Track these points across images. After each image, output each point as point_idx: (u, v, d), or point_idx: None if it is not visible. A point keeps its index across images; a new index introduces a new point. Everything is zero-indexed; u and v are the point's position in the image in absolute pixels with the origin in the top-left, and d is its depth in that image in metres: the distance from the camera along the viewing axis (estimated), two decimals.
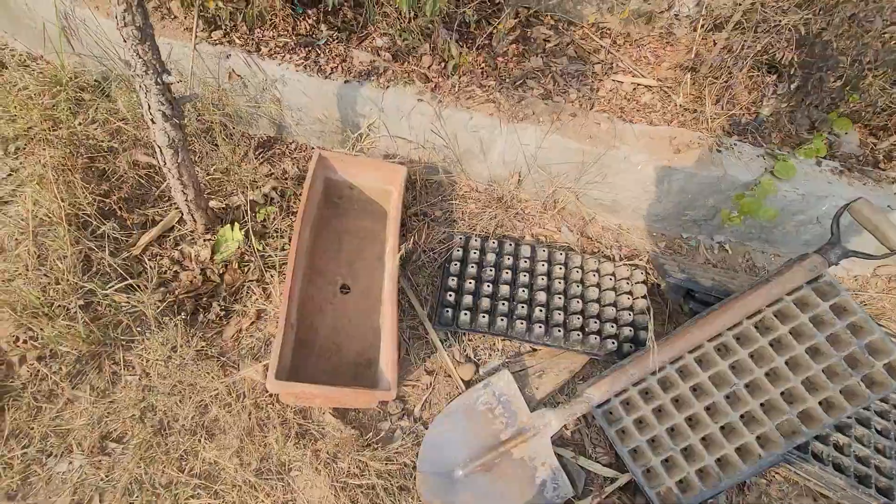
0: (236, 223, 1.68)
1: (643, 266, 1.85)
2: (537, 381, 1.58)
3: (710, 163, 1.78)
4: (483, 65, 1.92)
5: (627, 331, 1.63)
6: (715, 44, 1.95)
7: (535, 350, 1.65)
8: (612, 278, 1.76)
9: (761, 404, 1.33)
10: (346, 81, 1.77)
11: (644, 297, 1.70)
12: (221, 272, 1.63)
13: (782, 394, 1.32)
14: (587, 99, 1.93)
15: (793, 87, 1.73)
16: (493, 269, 1.72)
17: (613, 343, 1.59)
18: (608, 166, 1.80)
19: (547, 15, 2.19)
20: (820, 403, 1.29)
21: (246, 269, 1.65)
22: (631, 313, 1.67)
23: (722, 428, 1.35)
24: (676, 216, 1.95)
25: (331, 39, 1.88)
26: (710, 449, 1.34)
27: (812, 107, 1.88)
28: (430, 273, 1.76)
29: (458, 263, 1.72)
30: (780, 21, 1.73)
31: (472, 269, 1.71)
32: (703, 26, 2.00)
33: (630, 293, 1.72)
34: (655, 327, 1.73)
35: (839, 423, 1.47)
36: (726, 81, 1.89)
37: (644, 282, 1.76)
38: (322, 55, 1.84)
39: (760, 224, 1.93)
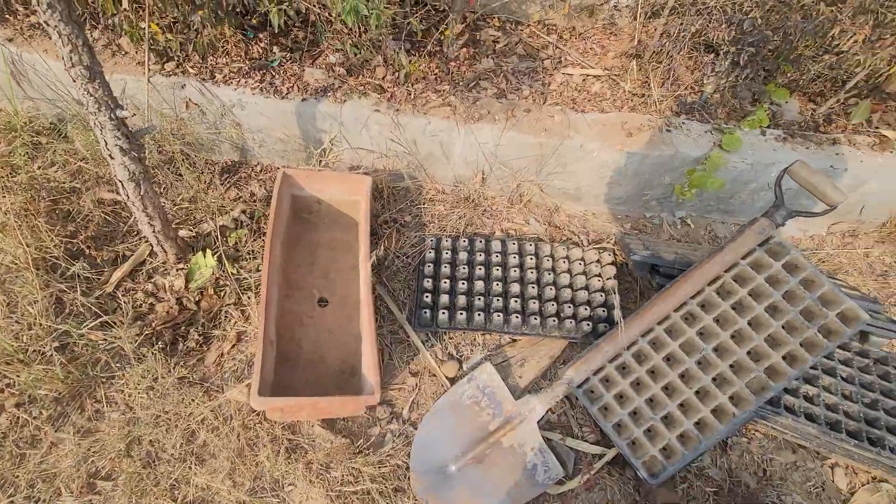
0: (208, 250, 1.69)
1: (610, 248, 1.91)
2: (520, 370, 1.62)
3: (662, 143, 1.85)
4: (436, 70, 1.97)
5: (601, 311, 1.68)
6: (655, 30, 2.04)
7: (514, 340, 1.69)
8: (582, 263, 1.81)
9: (730, 365, 1.40)
10: (303, 100, 1.80)
11: (613, 277, 1.77)
12: (197, 299, 1.63)
13: (748, 353, 1.39)
14: (540, 94, 1.99)
15: (727, 64, 1.82)
16: (466, 266, 1.76)
17: (588, 325, 1.64)
18: (566, 156, 1.87)
19: (494, 17, 2.26)
20: (784, 358, 1.36)
21: (222, 294, 1.66)
22: (603, 294, 1.72)
23: (697, 392, 1.41)
24: (637, 197, 2.02)
25: (284, 60, 1.91)
26: (688, 414, 1.39)
27: (750, 80, 1.97)
28: (406, 277, 1.80)
29: (432, 265, 1.76)
30: (710, 3, 1.83)
31: (445, 269, 1.75)
32: (642, 14, 2.09)
33: (600, 275, 1.78)
34: (627, 304, 1.79)
35: (806, 374, 1.55)
36: (669, 65, 1.98)
37: (613, 263, 1.83)
38: (277, 76, 1.87)
39: (717, 196, 2.01)
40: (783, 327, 1.38)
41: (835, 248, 2.13)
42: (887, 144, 2.02)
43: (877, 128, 2.10)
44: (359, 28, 1.78)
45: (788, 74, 2.02)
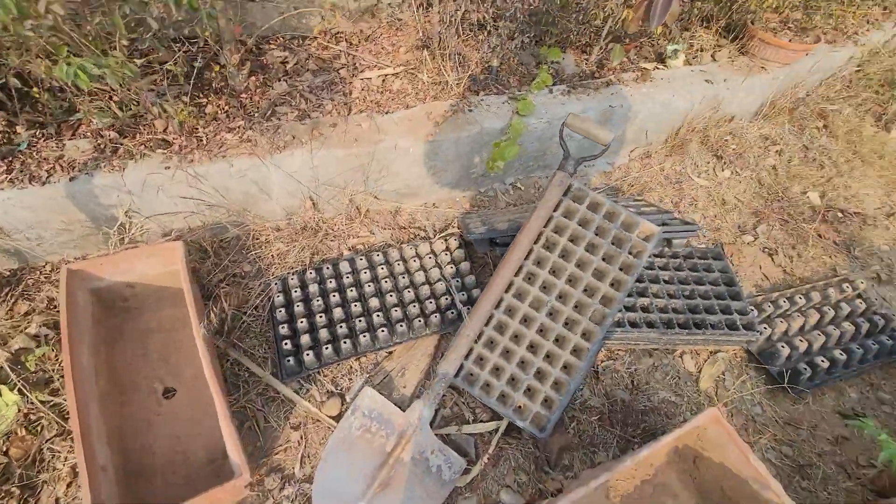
0: (3, 385, 1.40)
1: (455, 233, 1.98)
2: (402, 380, 1.62)
3: (467, 123, 1.95)
4: (227, 107, 1.84)
5: (462, 296, 1.74)
6: (432, 19, 2.13)
7: (390, 353, 1.68)
8: (433, 255, 1.85)
9: (574, 307, 1.54)
10: (71, 179, 1.56)
11: (465, 259, 1.84)
12: (5, 449, 1.35)
13: (584, 291, 1.54)
14: (343, 105, 1.97)
15: (497, 39, 1.97)
16: (319, 298, 1.70)
17: (453, 312, 1.69)
18: (385, 159, 1.88)
19: (275, 37, 2.17)
20: (611, 285, 1.54)
21: (39, 429, 1.39)
22: (459, 279, 1.78)
23: (556, 341, 1.53)
24: (466, 177, 2.12)
25: (35, 139, 1.63)
26: (553, 362, 1.51)
27: (526, 47, 2.16)
28: (261, 330, 1.68)
29: (284, 308, 1.66)
30: None
31: (300, 308, 1.67)
32: (420, 6, 2.16)
33: (452, 261, 1.84)
34: (485, 279, 1.88)
35: (638, 289, 1.77)
36: (454, 48, 2.08)
37: (460, 246, 1.90)
38: (30, 160, 1.59)
39: (533, 156, 2.19)
40: (603, 259, 1.55)
41: (638, 171, 2.46)
42: (646, 75, 2.37)
43: (637, 63, 2.46)
44: (110, 87, 1.57)
45: (555, 34, 2.25)
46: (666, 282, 1.83)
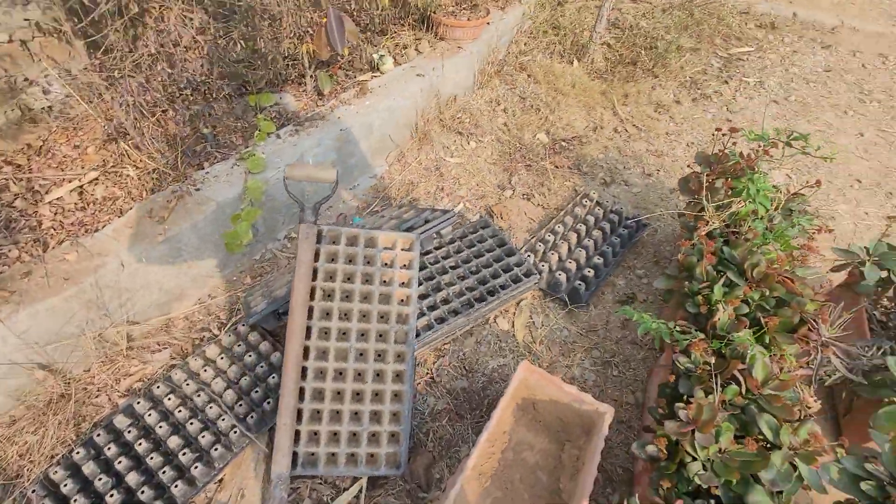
0: None
1: (239, 319, 1.83)
2: (243, 501, 1.45)
3: (198, 203, 1.79)
4: None
5: (274, 378, 1.62)
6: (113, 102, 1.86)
7: (220, 481, 1.49)
8: (225, 353, 1.68)
9: (378, 338, 1.56)
10: None
11: (263, 340, 1.71)
12: None
13: (380, 319, 1.57)
14: (34, 243, 1.61)
15: (196, 106, 1.83)
16: (103, 475, 1.40)
17: (269, 402, 1.57)
18: (115, 281, 1.61)
19: None
20: (400, 302, 1.59)
21: None
22: (264, 363, 1.66)
23: (377, 376, 1.54)
24: (233, 256, 1.96)
25: None
26: (382, 399, 1.52)
27: (229, 102, 2.05)
28: None
29: None
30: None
31: (81, 501, 1.35)
32: (94, 95, 1.86)
33: (250, 348, 1.69)
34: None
35: (435, 287, 1.88)
36: (151, 132, 1.86)
37: (253, 328, 1.75)
38: None
39: (291, 202, 2.12)
40: (383, 283, 1.59)
41: (399, 173, 2.59)
42: (365, 87, 2.47)
43: (355, 77, 2.54)
44: None
45: (257, 80, 2.18)
46: (453, 268, 1.97)
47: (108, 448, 1.43)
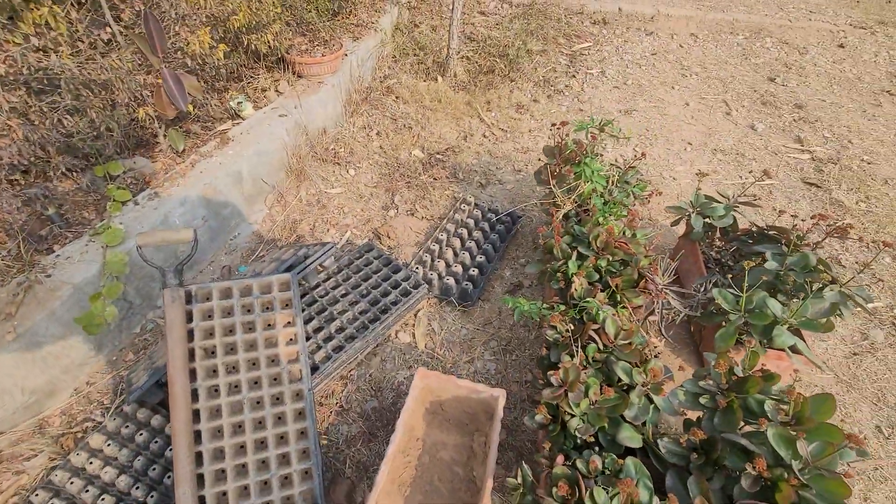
0: None
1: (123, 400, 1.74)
2: None
3: (51, 290, 1.68)
4: None
5: (171, 451, 1.56)
6: None
7: None
8: (112, 440, 1.59)
9: (271, 383, 1.57)
10: None
11: (155, 413, 1.64)
12: None
13: (270, 363, 1.58)
14: None
15: (34, 190, 1.72)
16: None
17: (169, 477, 1.51)
18: None
19: None
20: (289, 342, 1.62)
21: None
22: (157, 439, 1.59)
23: (278, 419, 1.54)
24: (105, 334, 1.85)
25: None
26: (288, 440, 1.53)
27: (73, 175, 1.95)
28: None
29: None
30: None
31: None
32: None
33: (140, 427, 1.62)
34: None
35: (328, 318, 1.92)
36: None
37: (141, 406, 1.68)
38: None
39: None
40: (267, 327, 1.61)
41: (281, 214, 2.59)
42: (225, 137, 2.46)
43: (215, 128, 2.52)
44: None
45: (99, 152, 2.09)
46: (344, 296, 2.03)
47: None
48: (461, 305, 2.17)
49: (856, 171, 3.19)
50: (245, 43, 2.50)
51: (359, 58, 3.41)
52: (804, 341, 1.81)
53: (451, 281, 2.21)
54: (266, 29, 2.44)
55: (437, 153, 3.17)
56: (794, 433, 1.19)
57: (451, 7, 3.52)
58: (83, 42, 1.82)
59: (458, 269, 2.28)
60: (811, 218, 1.95)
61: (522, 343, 2.12)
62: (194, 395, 1.47)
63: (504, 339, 2.13)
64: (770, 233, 2.04)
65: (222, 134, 2.45)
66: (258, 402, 1.55)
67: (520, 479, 1.35)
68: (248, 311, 1.60)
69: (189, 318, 1.53)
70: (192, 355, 1.50)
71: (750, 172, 3.18)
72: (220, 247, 2.36)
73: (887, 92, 4.17)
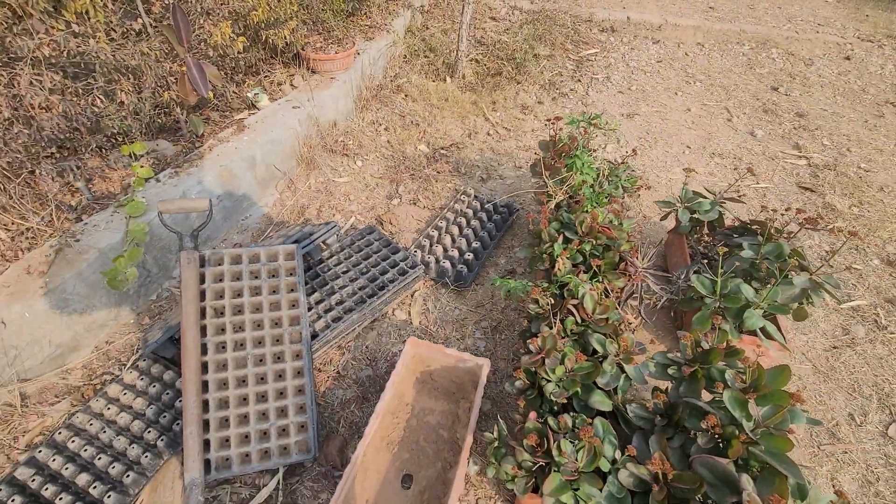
0: None
1: (140, 357, 1.89)
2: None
3: (80, 253, 1.84)
4: None
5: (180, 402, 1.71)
6: None
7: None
8: (128, 389, 1.74)
9: (274, 342, 1.71)
10: None
11: (166, 370, 1.79)
12: None
13: (273, 325, 1.72)
14: None
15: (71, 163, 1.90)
16: None
17: (178, 424, 1.65)
18: (6, 344, 1.63)
19: None
20: (291, 307, 1.76)
21: None
22: (169, 392, 1.74)
23: (278, 377, 1.68)
24: (124, 297, 2.01)
25: None
26: (286, 394, 1.66)
27: (101, 152, 2.13)
28: None
29: None
30: None
31: None
32: None
33: (154, 381, 1.77)
34: None
35: (329, 291, 2.06)
36: (17, 191, 1.89)
37: (156, 362, 1.83)
38: None
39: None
40: (273, 292, 1.75)
41: (291, 199, 2.75)
42: (241, 125, 2.63)
43: (231, 116, 2.69)
44: None
45: (126, 130, 2.27)
46: (344, 272, 2.17)
47: (13, 501, 1.45)
48: (455, 286, 2.29)
49: (851, 178, 3.26)
50: (264, 38, 2.67)
51: (371, 57, 3.58)
52: (777, 327, 1.90)
53: (448, 264, 2.33)
54: (283, 25, 2.62)
55: (442, 148, 3.31)
56: (747, 397, 1.29)
57: (461, 11, 3.68)
58: (116, 31, 2.00)
59: (455, 253, 2.40)
60: (786, 211, 2.05)
61: (511, 324, 2.23)
62: (203, 350, 1.62)
63: (494, 320, 2.24)
64: (752, 227, 2.13)
65: (239, 122, 2.63)
66: (261, 360, 1.69)
67: (496, 434, 1.47)
68: (256, 276, 1.75)
69: (202, 279, 1.68)
70: (203, 314, 1.65)
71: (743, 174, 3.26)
72: (233, 226, 2.52)
73: (891, 103, 4.22)
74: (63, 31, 1.68)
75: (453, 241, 2.52)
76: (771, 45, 5.04)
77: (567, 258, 1.82)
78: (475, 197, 2.82)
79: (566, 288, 1.76)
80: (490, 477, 1.41)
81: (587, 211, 2.03)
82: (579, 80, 4.31)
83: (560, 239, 1.92)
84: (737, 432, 1.26)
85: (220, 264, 1.72)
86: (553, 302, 1.68)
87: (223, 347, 1.66)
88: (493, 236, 2.57)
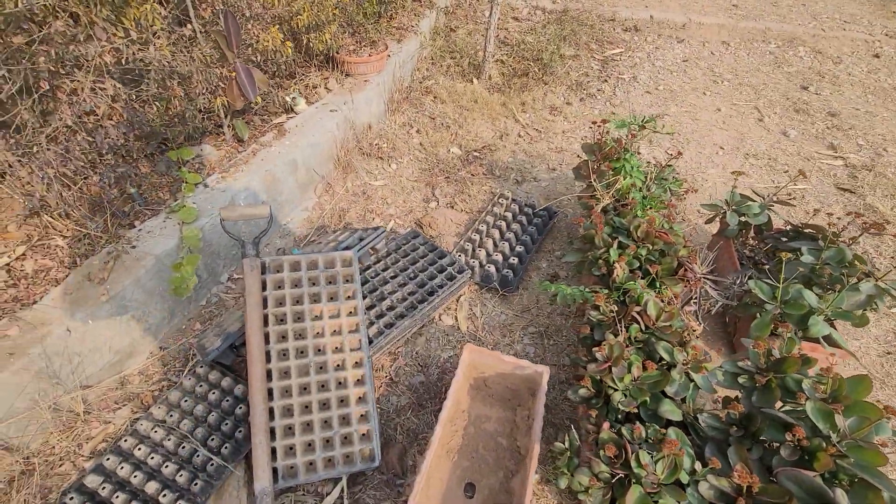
0: None
1: (197, 363, 1.89)
2: None
3: (137, 259, 1.85)
4: None
5: (241, 409, 1.71)
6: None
7: None
8: (189, 396, 1.74)
9: (335, 350, 1.70)
10: None
11: (224, 376, 1.79)
12: None
13: (333, 334, 1.72)
14: None
15: (120, 169, 1.90)
16: None
17: (240, 431, 1.65)
18: (61, 347, 1.64)
19: None
20: (349, 314, 1.75)
21: None
22: (230, 399, 1.74)
23: (339, 385, 1.68)
24: (178, 303, 2.02)
25: None
26: (348, 403, 1.66)
27: (150, 159, 2.13)
28: None
29: None
30: None
31: None
32: None
33: (212, 388, 1.77)
34: None
35: (376, 299, 2.06)
36: (73, 201, 1.90)
37: (212, 369, 1.83)
38: None
39: (229, 244, 2.22)
40: (330, 299, 1.75)
41: (329, 203, 2.75)
42: (282, 129, 2.63)
43: (271, 121, 2.69)
44: None
45: (176, 137, 2.28)
46: (393, 277, 2.16)
47: None
48: (502, 291, 2.28)
49: (891, 178, 3.22)
50: (304, 41, 2.67)
51: (401, 59, 3.57)
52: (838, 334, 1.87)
53: (492, 269, 2.32)
54: (324, 28, 2.61)
55: (475, 151, 3.30)
56: (833, 408, 1.27)
57: (488, 12, 3.66)
58: (168, 38, 2.00)
59: (499, 257, 2.39)
60: (846, 215, 2.01)
61: (559, 330, 2.22)
62: (267, 357, 1.62)
63: (542, 325, 2.23)
64: (806, 230, 2.10)
65: (279, 126, 2.62)
66: (321, 367, 1.68)
67: (567, 444, 1.46)
68: (314, 283, 1.75)
69: (263, 286, 1.68)
70: (265, 321, 1.65)
71: (785, 173, 3.23)
72: (275, 230, 2.52)
73: None
74: (123, 38, 1.68)
75: (495, 245, 2.51)
76: (798, 43, 4.98)
77: (625, 263, 1.81)
78: (513, 200, 2.80)
79: (628, 294, 1.74)
80: (562, 487, 1.39)
81: (638, 215, 2.01)
82: (606, 81, 4.28)
83: (615, 244, 1.91)
84: (823, 445, 1.24)
85: (279, 271, 1.72)
86: (616, 308, 1.67)
87: (285, 355, 1.66)
88: (535, 240, 2.56)
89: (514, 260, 2.37)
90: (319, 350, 1.70)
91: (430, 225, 2.67)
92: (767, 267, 2.06)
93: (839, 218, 2.12)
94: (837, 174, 3.28)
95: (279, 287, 1.71)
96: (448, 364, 2.04)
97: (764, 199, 2.26)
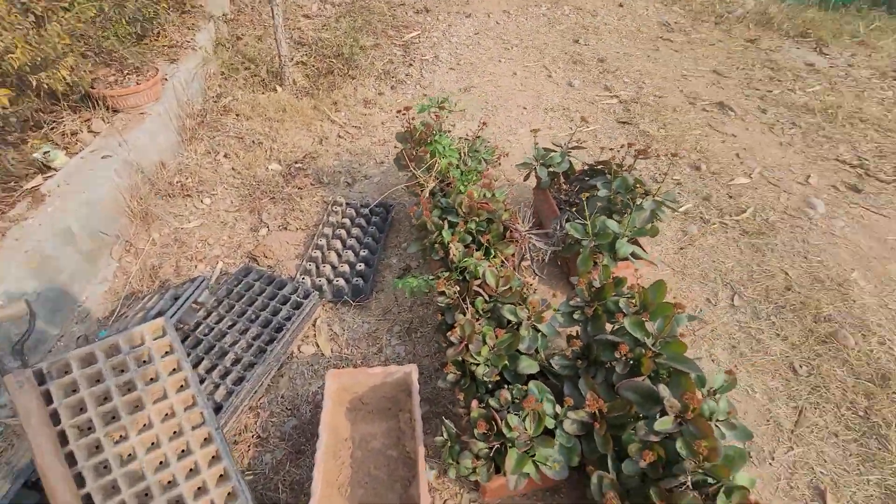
0: None
1: None
2: None
3: None
4: None
5: None
6: None
7: None
8: None
9: (172, 437, 1.45)
10: None
11: None
12: None
13: (165, 417, 1.46)
14: None
15: None
16: None
17: None
18: None
19: None
20: (180, 389, 1.50)
21: None
22: None
23: (190, 472, 1.44)
24: None
25: None
26: (209, 486, 1.44)
27: None
28: None
29: None
30: None
31: None
32: None
33: None
34: None
35: (216, 356, 1.81)
36: None
37: None
38: None
39: None
40: (150, 381, 1.47)
41: (136, 265, 2.34)
42: (38, 195, 2.12)
43: (19, 190, 2.15)
44: None
45: None
46: (231, 327, 1.93)
47: None
48: (356, 302, 2.20)
49: (652, 105, 3.87)
50: (34, 84, 2.16)
51: (182, 81, 3.15)
52: (642, 248, 2.20)
53: (342, 281, 2.22)
54: (58, 64, 2.14)
55: (296, 162, 3.10)
56: (642, 318, 1.46)
57: (271, 14, 3.42)
58: None
59: (346, 268, 2.29)
60: (623, 147, 2.35)
61: (424, 320, 2.22)
62: (80, 481, 1.30)
63: (406, 322, 2.21)
64: (598, 167, 2.41)
65: (33, 191, 2.12)
66: (161, 463, 1.42)
67: (445, 435, 1.46)
68: (122, 370, 1.45)
69: (48, 399, 1.34)
70: (64, 438, 1.32)
71: (575, 121, 3.67)
72: (68, 318, 2.05)
73: (661, 38, 5.07)
74: None
75: (339, 255, 2.40)
76: (562, 3, 5.66)
77: (458, 242, 1.86)
78: (347, 204, 2.71)
79: (466, 271, 1.80)
80: (452, 477, 1.40)
81: (461, 192, 2.08)
82: (411, 65, 4.36)
83: (445, 225, 1.95)
84: (643, 351, 1.44)
85: (67, 372, 1.39)
86: (458, 288, 1.71)
87: (106, 468, 1.36)
88: (378, 239, 2.51)
89: (361, 266, 2.30)
90: (153, 444, 1.43)
91: (265, 254, 2.44)
92: (580, 207, 2.32)
93: (618, 150, 2.47)
94: (616, 111, 3.84)
95: (73, 391, 1.38)
96: (318, 397, 1.90)
97: (562, 147, 2.52)
